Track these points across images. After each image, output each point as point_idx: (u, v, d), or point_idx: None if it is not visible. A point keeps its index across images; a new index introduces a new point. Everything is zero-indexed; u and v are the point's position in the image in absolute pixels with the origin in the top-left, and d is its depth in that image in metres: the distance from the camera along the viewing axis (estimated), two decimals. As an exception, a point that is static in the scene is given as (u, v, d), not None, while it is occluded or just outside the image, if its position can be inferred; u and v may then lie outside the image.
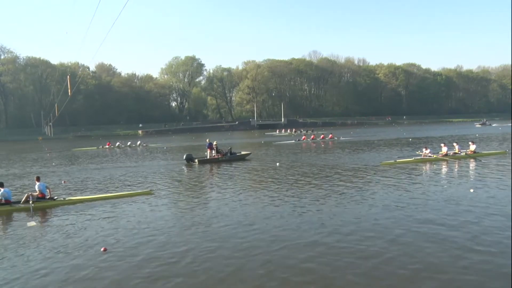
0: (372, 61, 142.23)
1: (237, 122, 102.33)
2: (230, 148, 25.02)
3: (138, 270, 6.85)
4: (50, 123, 78.06)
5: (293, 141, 41.69)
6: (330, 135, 43.14)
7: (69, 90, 35.82)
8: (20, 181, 18.78)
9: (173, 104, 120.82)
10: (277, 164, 21.32)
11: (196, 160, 23.22)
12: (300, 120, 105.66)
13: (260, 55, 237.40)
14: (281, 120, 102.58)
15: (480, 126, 70.87)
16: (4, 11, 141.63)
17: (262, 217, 10.03)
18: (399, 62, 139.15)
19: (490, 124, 73.70)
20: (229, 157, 23.91)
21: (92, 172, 21.72)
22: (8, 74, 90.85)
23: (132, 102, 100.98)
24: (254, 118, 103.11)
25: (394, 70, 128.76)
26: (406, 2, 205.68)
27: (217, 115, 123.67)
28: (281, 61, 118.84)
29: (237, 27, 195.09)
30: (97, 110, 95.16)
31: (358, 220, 9.36)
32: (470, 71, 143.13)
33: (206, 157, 24.08)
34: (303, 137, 43.51)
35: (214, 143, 24.88)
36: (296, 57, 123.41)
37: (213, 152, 24.24)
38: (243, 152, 25.49)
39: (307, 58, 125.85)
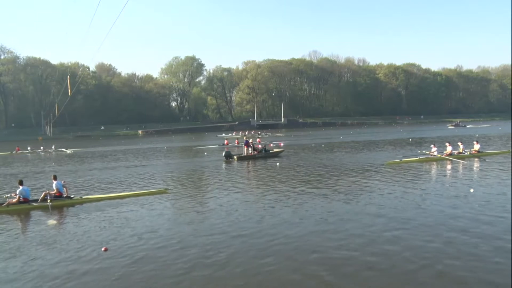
0: (372, 61, 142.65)
1: (237, 122, 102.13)
2: (265, 146, 26.55)
3: (166, 272, 6.79)
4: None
5: (217, 145, 38.01)
6: (258, 140, 40.34)
7: (69, 90, 35.81)
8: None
9: (173, 104, 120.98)
10: (277, 164, 21.37)
11: (235, 157, 24.25)
12: (300, 120, 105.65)
13: (260, 55, 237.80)
14: (281, 120, 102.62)
15: (453, 127, 69.74)
16: (4, 11, 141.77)
17: (282, 216, 10.11)
18: (399, 62, 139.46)
19: (464, 126, 72.33)
20: (264, 154, 25.24)
21: (118, 170, 21.83)
22: (8, 74, 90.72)
23: (132, 102, 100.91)
24: (254, 118, 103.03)
25: (394, 70, 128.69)
26: (406, 2, 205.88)
27: (217, 115, 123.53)
28: (281, 61, 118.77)
29: (237, 27, 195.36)
30: (97, 110, 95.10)
31: (373, 222, 9.36)
32: (470, 71, 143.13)
33: (243, 154, 25.11)
34: (226, 141, 39.58)
35: (250, 140, 26.24)
36: (296, 57, 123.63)
37: (250, 149, 25.24)
38: (275, 150, 26.84)
39: (307, 58, 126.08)
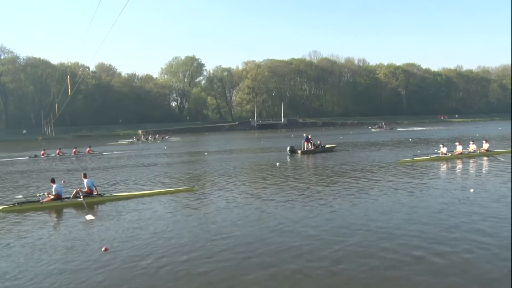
0: (372, 61, 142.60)
1: (237, 122, 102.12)
2: (320, 142, 29.18)
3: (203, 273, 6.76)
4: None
5: (27, 157, 31.18)
6: (87, 149, 34.21)
7: (69, 90, 35.89)
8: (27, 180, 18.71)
9: (173, 104, 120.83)
10: (277, 164, 21.42)
11: (299, 152, 27.40)
12: (300, 120, 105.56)
13: (260, 55, 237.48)
14: (281, 120, 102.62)
15: (376, 130, 64.67)
16: (4, 11, 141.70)
17: (294, 213, 10.43)
18: (399, 62, 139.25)
19: (393, 128, 66.75)
20: (321, 149, 28.32)
21: (139, 169, 21.97)
22: (8, 74, 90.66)
23: (132, 102, 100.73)
24: (254, 118, 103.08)
25: (394, 70, 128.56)
26: (406, 2, 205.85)
27: (217, 115, 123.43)
28: (281, 61, 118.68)
29: (237, 27, 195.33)
30: (97, 110, 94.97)
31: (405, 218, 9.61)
32: (470, 71, 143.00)
33: (304, 149, 27.87)
34: (42, 152, 32.17)
35: (310, 136, 28.76)
36: (296, 57, 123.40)
37: (309, 144, 28.07)
38: (329, 145, 29.60)
39: (307, 58, 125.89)
